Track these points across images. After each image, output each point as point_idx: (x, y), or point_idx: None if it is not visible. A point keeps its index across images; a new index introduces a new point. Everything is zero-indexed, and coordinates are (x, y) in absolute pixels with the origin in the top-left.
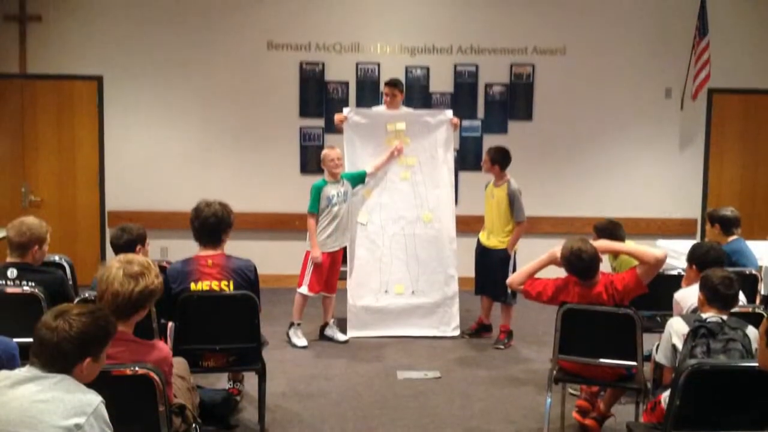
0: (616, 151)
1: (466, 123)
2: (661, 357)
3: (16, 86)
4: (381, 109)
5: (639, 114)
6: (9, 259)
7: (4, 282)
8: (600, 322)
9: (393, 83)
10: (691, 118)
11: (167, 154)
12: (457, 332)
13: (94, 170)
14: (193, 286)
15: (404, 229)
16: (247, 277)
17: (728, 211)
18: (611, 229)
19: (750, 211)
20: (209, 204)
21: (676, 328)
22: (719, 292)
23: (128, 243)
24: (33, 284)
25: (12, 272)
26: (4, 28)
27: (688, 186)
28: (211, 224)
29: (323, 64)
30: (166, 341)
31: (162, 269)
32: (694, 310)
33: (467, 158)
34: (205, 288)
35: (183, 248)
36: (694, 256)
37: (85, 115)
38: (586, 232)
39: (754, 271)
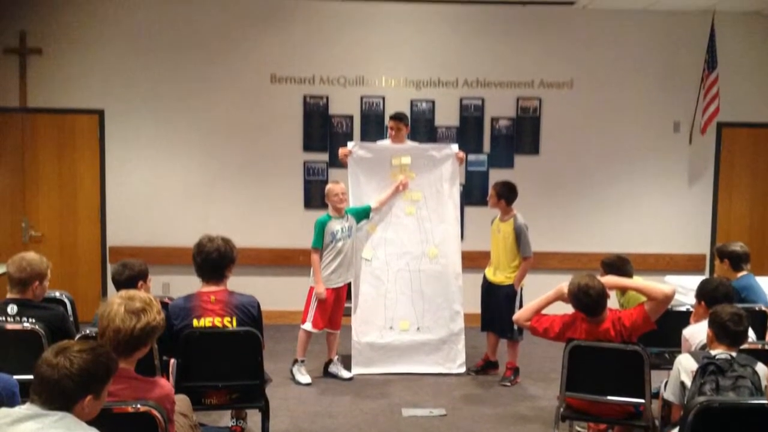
0: (623, 186)
1: (471, 157)
2: (669, 394)
3: (17, 120)
4: (386, 143)
5: (647, 148)
6: (9, 295)
7: (4, 318)
8: (608, 359)
9: (398, 117)
10: (699, 153)
11: (169, 189)
12: (462, 369)
13: (95, 205)
14: (195, 322)
15: (409, 265)
16: (250, 313)
17: (737, 247)
18: (619, 264)
19: (760, 247)
20: (212, 239)
21: (685, 365)
22: (728, 329)
23: (130, 279)
24: (33, 320)
25: (12, 308)
26: (4, 61)
27: (696, 221)
28: (214, 260)
29: (327, 98)
30: (168, 378)
31: (164, 305)
32: (703, 347)
33: (473, 193)
34: (208, 324)
35: (185, 284)
36: (703, 292)
37: (86, 149)
38: (593, 267)
39: (764, 308)
